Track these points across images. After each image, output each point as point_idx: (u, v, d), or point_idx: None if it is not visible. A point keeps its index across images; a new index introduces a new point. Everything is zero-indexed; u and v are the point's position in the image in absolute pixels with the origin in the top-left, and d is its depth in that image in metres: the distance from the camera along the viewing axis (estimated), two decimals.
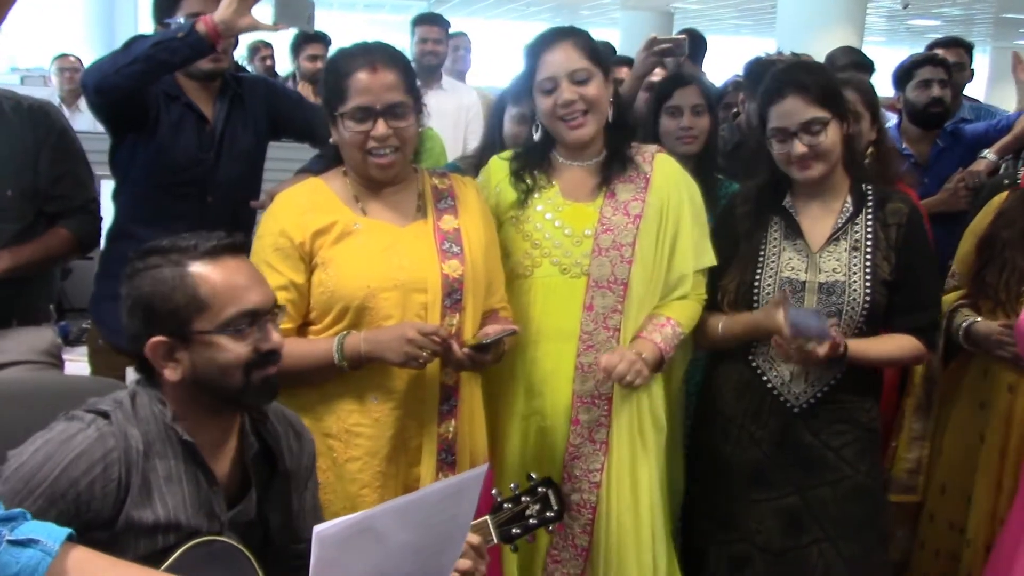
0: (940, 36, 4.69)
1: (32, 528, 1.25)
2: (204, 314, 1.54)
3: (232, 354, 1.55)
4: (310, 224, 2.05)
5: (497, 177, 2.38)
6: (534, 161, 2.36)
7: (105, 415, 1.54)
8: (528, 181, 2.34)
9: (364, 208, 2.12)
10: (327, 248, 2.05)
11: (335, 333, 2.04)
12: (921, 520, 2.80)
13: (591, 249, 2.30)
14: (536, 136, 2.36)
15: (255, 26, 2.37)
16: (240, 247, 1.62)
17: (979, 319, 2.56)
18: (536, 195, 2.34)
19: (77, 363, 3.04)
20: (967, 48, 4.40)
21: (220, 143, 2.69)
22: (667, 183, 2.37)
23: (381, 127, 2.02)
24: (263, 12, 2.40)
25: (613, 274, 2.30)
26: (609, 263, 2.30)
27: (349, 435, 2.06)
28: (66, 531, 1.29)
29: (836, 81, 2.44)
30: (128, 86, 2.42)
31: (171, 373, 1.56)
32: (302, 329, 2.09)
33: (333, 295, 2.03)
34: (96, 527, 1.47)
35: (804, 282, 2.35)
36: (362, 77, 2.02)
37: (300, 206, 2.08)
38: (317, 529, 1.36)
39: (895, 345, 2.36)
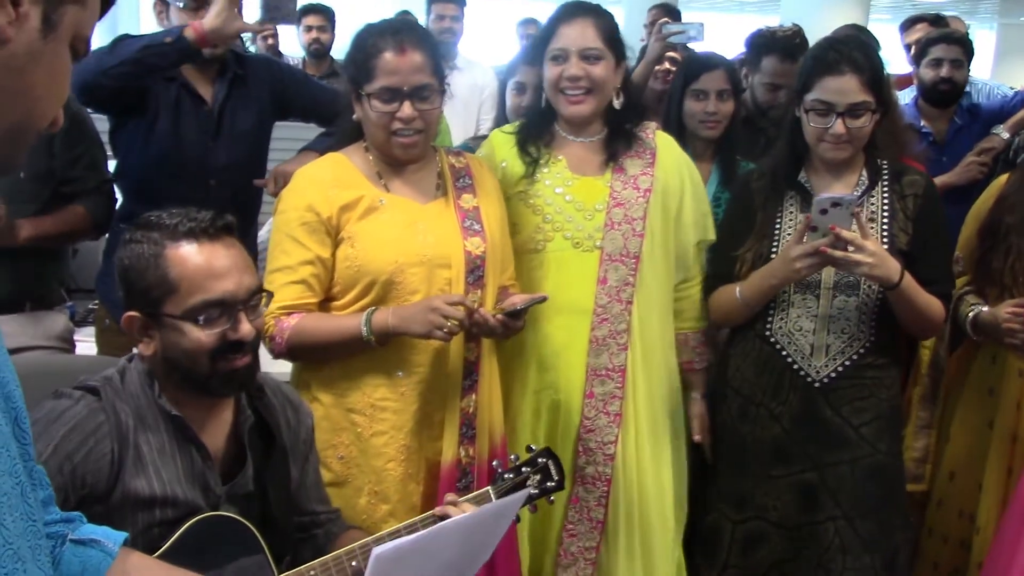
0: (950, 14, 4.68)
1: (91, 529, 1.28)
2: (172, 298, 1.54)
3: (196, 342, 1.54)
4: (336, 199, 2.06)
5: (502, 152, 2.39)
6: (537, 132, 2.37)
7: (94, 391, 1.56)
8: (533, 153, 2.35)
9: (387, 185, 2.13)
10: (353, 223, 2.06)
11: (359, 308, 2.05)
12: (929, 507, 2.79)
13: (603, 223, 2.32)
14: (544, 103, 2.36)
15: (244, 29, 2.43)
16: (229, 229, 1.60)
17: (985, 308, 2.52)
18: (545, 169, 2.35)
19: (83, 343, 3.05)
20: (934, 22, 4.38)
21: (219, 124, 2.67)
22: (670, 158, 2.42)
23: (407, 109, 2.03)
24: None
25: (625, 247, 2.32)
26: (621, 236, 2.32)
27: (375, 410, 2.08)
28: (123, 535, 1.31)
29: (885, 67, 2.39)
30: (114, 86, 2.47)
31: (144, 348, 1.58)
32: (324, 304, 2.10)
33: (360, 269, 2.04)
34: (92, 502, 1.49)
35: None
36: (389, 58, 2.02)
37: (325, 181, 2.09)
38: (377, 550, 1.42)
39: (930, 298, 2.30)
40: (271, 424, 1.71)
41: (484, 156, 2.39)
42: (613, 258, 2.32)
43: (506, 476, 1.87)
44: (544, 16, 2.60)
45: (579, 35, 2.27)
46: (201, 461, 1.60)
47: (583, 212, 2.32)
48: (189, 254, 1.54)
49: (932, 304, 2.30)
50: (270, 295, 1.69)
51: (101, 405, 1.54)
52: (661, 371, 2.41)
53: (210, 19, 2.36)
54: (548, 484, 1.90)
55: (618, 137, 2.37)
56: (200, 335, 1.54)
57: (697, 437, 2.49)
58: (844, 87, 2.24)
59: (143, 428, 1.56)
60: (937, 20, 4.43)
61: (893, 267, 2.20)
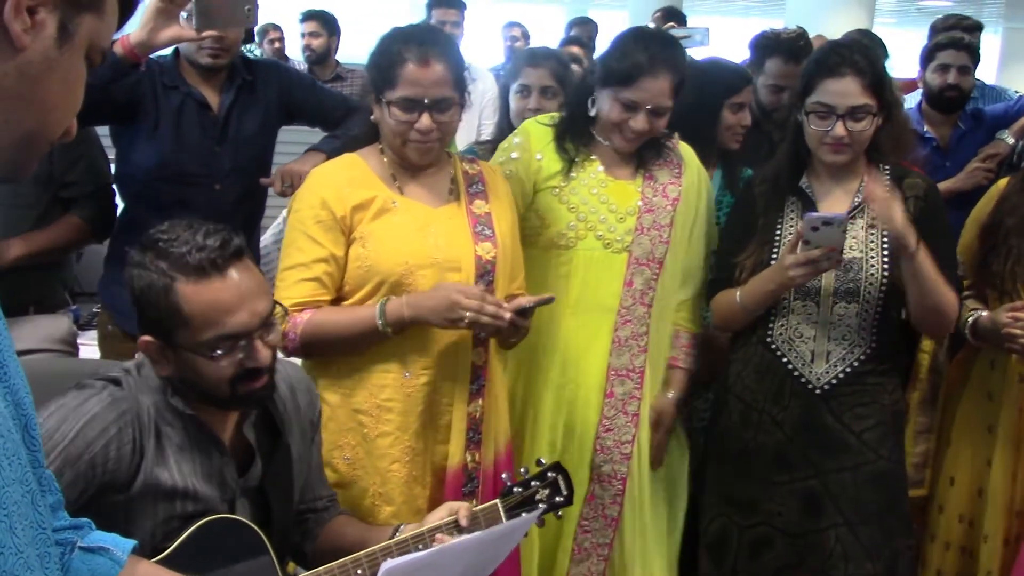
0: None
1: (100, 537, 1.28)
2: (186, 330, 1.53)
3: (214, 372, 1.55)
4: (350, 198, 2.07)
5: (538, 144, 2.40)
6: (577, 131, 2.40)
7: (116, 382, 1.58)
8: (571, 151, 2.38)
9: (401, 187, 2.15)
10: (366, 223, 2.07)
11: None
12: (930, 513, 2.79)
13: (634, 226, 2.37)
14: (592, 111, 2.37)
15: (179, 37, 2.33)
16: (239, 253, 1.57)
17: (984, 313, 2.52)
18: (581, 168, 2.39)
19: (87, 347, 3.05)
20: (968, 30, 4.33)
21: (224, 130, 2.67)
22: (693, 170, 2.48)
23: (426, 120, 2.04)
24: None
25: (652, 253, 2.39)
26: (649, 242, 2.38)
27: (380, 410, 2.09)
28: (132, 543, 1.32)
29: (888, 71, 2.38)
30: None
31: (161, 370, 1.59)
32: (334, 304, 2.11)
33: (371, 270, 2.06)
34: (112, 490, 1.51)
35: None
36: (413, 68, 2.03)
37: (339, 180, 2.11)
38: (385, 565, 1.47)
39: (945, 284, 2.26)
40: (276, 420, 1.73)
41: (518, 144, 2.41)
42: (640, 262, 2.38)
43: (515, 490, 1.86)
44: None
45: (655, 92, 2.27)
46: (219, 456, 1.63)
47: (615, 214, 2.37)
48: (200, 290, 1.52)
49: (946, 291, 2.26)
50: (284, 313, 1.69)
51: (124, 395, 1.56)
52: (662, 375, 2.48)
53: (135, 32, 2.28)
54: (557, 499, 1.90)
55: (648, 146, 2.41)
56: (218, 366, 1.54)
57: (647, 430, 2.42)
58: (845, 89, 2.25)
59: (163, 421, 1.58)
60: (973, 28, 4.34)
61: (912, 233, 2.18)
